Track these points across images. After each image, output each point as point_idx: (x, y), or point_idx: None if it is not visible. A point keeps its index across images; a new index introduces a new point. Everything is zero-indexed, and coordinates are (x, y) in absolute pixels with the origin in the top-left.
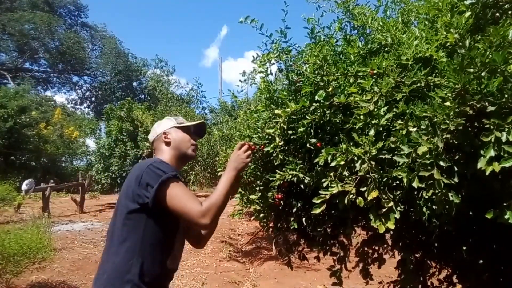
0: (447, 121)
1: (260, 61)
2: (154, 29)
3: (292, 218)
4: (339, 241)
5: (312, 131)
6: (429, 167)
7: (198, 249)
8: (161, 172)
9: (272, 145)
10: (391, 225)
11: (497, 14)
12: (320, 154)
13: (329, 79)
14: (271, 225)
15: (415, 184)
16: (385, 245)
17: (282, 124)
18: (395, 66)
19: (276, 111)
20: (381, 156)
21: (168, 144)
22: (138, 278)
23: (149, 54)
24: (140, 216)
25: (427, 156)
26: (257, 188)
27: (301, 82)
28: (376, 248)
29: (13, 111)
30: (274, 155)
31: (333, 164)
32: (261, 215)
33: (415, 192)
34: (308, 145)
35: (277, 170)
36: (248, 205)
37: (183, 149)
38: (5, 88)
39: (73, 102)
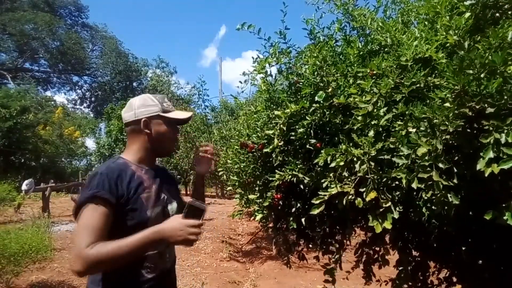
0: (446, 123)
1: (258, 64)
2: (152, 29)
3: (291, 218)
4: (336, 240)
5: (311, 131)
6: (428, 169)
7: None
8: (85, 189)
9: (271, 147)
10: (388, 225)
11: (497, 15)
12: (320, 155)
13: (328, 79)
14: (270, 225)
15: (414, 185)
16: (385, 246)
17: (281, 126)
18: (394, 66)
19: (276, 113)
20: (380, 157)
21: (148, 136)
22: None
23: (147, 54)
24: None
25: (426, 157)
26: (256, 188)
27: (300, 83)
28: (377, 249)
29: (15, 111)
30: (274, 156)
31: (332, 164)
32: (260, 215)
33: (415, 193)
34: (307, 145)
35: (276, 171)
36: (248, 205)
37: (163, 145)
38: (5, 89)
39: (73, 102)
